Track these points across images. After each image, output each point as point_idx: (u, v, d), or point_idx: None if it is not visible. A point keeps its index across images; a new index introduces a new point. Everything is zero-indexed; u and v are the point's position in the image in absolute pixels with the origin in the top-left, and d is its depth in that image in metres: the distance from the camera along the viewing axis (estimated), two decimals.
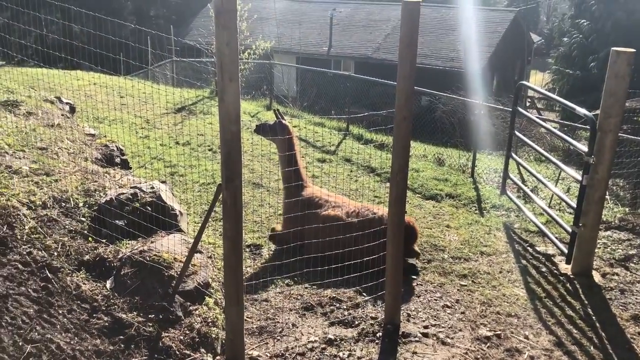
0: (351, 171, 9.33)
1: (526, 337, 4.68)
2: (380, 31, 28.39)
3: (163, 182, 5.85)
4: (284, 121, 6.17)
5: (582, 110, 5.79)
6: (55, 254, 4.26)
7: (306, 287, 5.28)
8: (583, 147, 5.76)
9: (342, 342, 4.38)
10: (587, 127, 5.99)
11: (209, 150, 9.79)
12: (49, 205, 4.75)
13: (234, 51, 3.36)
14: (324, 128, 12.90)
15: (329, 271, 5.22)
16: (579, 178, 5.69)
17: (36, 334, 3.46)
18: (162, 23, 32.60)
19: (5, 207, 4.39)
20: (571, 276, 5.75)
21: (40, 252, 4.18)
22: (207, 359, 3.91)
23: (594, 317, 5.06)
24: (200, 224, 4.37)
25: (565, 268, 5.89)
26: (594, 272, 5.78)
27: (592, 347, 4.62)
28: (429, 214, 7.45)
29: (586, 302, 5.32)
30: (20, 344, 3.33)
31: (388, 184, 4.61)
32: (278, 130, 6.09)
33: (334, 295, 5.09)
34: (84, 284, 4.10)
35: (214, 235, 6.08)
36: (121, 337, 3.78)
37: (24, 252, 4.09)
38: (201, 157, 9.34)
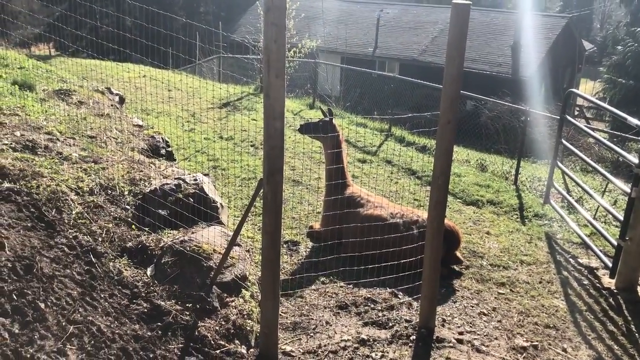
0: (392, 173, 9.29)
1: (564, 350, 4.57)
2: (427, 33, 28.14)
3: (206, 174, 5.95)
4: (333, 119, 6.22)
5: (634, 121, 5.62)
6: (100, 239, 4.39)
7: (341, 286, 5.29)
8: (633, 159, 5.58)
9: (375, 343, 4.37)
10: (639, 138, 5.79)
11: (251, 146, 9.90)
12: (95, 192, 4.90)
13: (281, 48, 3.39)
14: (366, 129, 12.88)
15: (364, 271, 5.22)
16: (628, 190, 5.52)
17: (79, 315, 3.57)
18: (210, 19, 33.12)
19: (55, 191, 4.55)
20: (615, 291, 5.59)
21: (85, 236, 4.31)
22: (241, 350, 3.96)
23: (637, 334, 4.90)
24: (240, 218, 4.43)
25: (608, 282, 5.73)
26: (639, 288, 5.60)
27: None
28: (469, 219, 7.35)
29: (629, 318, 5.16)
30: (64, 323, 3.44)
31: (429, 188, 4.58)
32: (327, 128, 6.13)
33: (369, 295, 5.08)
34: (126, 270, 4.21)
35: (253, 229, 6.15)
36: (159, 323, 3.86)
37: (70, 236, 4.23)
38: (243, 153, 9.45)
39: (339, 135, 6.17)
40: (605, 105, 7.86)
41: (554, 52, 26.40)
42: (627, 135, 12.28)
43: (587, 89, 33.71)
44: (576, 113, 24.63)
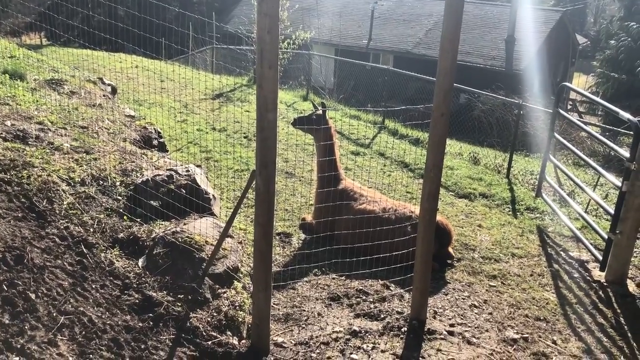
0: (384, 165, 9.29)
1: (554, 342, 4.60)
2: (421, 26, 28.09)
3: (198, 166, 5.93)
4: (325, 110, 6.22)
5: (626, 115, 5.64)
6: (91, 230, 4.37)
7: (333, 278, 5.30)
8: (625, 153, 5.62)
9: (367, 334, 4.38)
10: (630, 132, 5.83)
11: (244, 137, 9.87)
12: (87, 183, 4.87)
13: (274, 39, 3.37)
14: (360, 121, 12.88)
15: (356, 263, 5.23)
16: (619, 184, 5.55)
17: (70, 306, 3.56)
18: (204, 10, 32.90)
19: (46, 182, 4.52)
20: (604, 284, 5.63)
21: (77, 227, 4.29)
22: (233, 341, 3.96)
23: (625, 327, 4.94)
24: (232, 209, 4.42)
25: (598, 275, 5.77)
26: (628, 281, 5.64)
27: (622, 357, 4.51)
28: (461, 212, 7.38)
29: (619, 311, 5.20)
30: (55, 314, 3.43)
31: (421, 180, 4.59)
32: (319, 121, 6.14)
33: (361, 287, 5.09)
34: (118, 260, 4.20)
35: (245, 221, 6.14)
36: (150, 314, 3.86)
37: (62, 227, 4.21)
38: (236, 144, 9.43)
39: (331, 127, 6.17)
40: (598, 99, 7.89)
41: (548, 46, 26.41)
42: (619, 129, 12.34)
43: (580, 83, 33.81)
44: (569, 107, 24.73)
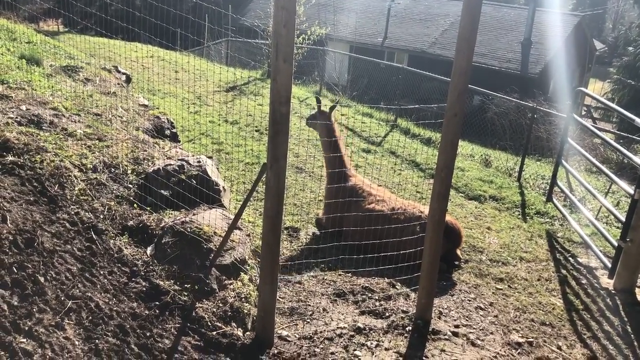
0: (395, 164, 9.27)
1: (559, 348, 4.58)
2: (437, 26, 27.96)
3: (209, 157, 5.94)
4: (326, 105, 6.30)
5: None
6: (101, 216, 4.40)
7: (340, 274, 5.30)
8: (638, 160, 5.57)
9: (371, 331, 4.38)
10: None
11: (256, 131, 9.89)
12: (99, 170, 4.90)
13: (290, 33, 3.37)
14: (372, 119, 12.85)
15: (363, 260, 5.22)
16: (631, 192, 5.50)
17: (77, 291, 3.59)
18: (220, 2, 32.94)
19: (58, 167, 4.56)
20: (612, 291, 5.59)
21: (87, 213, 4.32)
22: (238, 333, 3.97)
23: (632, 335, 4.91)
24: (241, 202, 4.43)
25: (607, 282, 5.73)
26: (637, 290, 5.60)
27: None
28: (470, 214, 7.35)
29: (626, 319, 5.16)
30: (62, 298, 3.46)
31: (431, 181, 4.57)
32: (318, 115, 6.25)
33: (367, 284, 5.09)
34: (126, 248, 4.23)
35: (254, 214, 6.15)
36: (157, 303, 3.88)
37: (72, 212, 4.24)
38: (248, 137, 9.45)
39: (331, 122, 6.22)
40: (614, 105, 7.81)
41: (565, 51, 26.17)
42: (633, 137, 12.23)
43: (596, 89, 33.49)
44: (583, 113, 24.52)
